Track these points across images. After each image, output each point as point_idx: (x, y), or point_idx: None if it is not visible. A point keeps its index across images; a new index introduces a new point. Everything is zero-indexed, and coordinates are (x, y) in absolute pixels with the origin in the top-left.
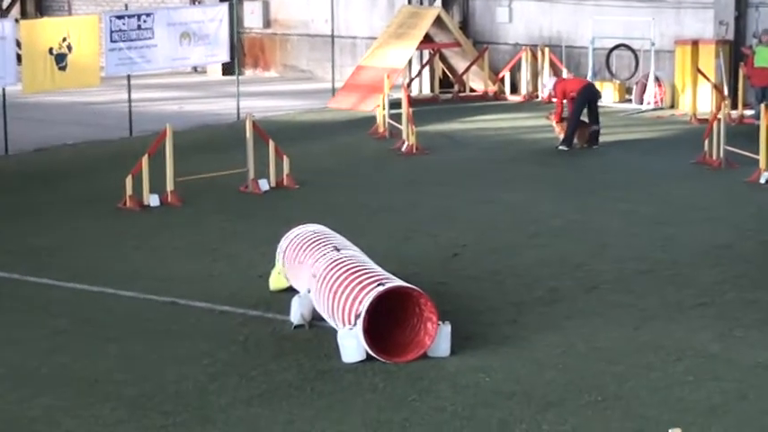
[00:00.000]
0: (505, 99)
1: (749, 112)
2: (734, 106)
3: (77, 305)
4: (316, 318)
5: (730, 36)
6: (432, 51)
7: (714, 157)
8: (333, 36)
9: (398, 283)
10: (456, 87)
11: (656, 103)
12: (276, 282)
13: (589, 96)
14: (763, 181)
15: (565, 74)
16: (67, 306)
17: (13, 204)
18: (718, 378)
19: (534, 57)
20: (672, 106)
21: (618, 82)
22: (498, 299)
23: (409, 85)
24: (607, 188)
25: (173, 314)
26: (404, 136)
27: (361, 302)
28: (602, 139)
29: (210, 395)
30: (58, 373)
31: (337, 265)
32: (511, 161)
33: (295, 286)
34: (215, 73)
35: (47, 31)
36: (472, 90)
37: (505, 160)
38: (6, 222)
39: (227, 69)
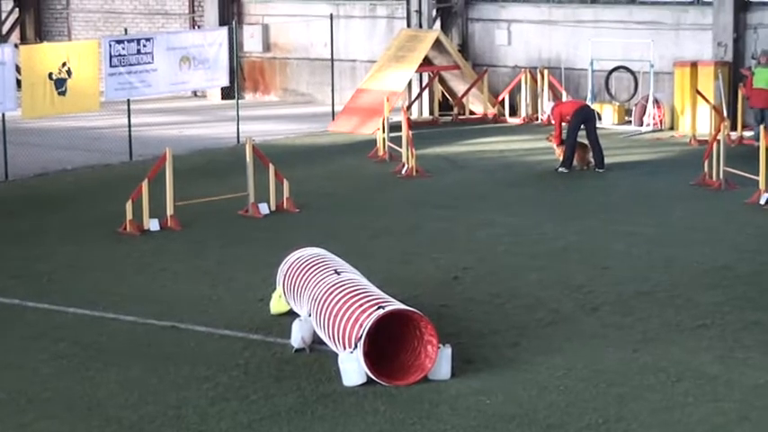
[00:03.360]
0: (505, 121)
1: (748, 134)
2: (733, 127)
3: (78, 330)
4: (316, 341)
5: (729, 57)
6: (431, 74)
7: (714, 179)
8: (332, 60)
9: (399, 306)
10: (455, 110)
11: (655, 124)
12: (277, 305)
13: (583, 117)
14: (762, 202)
15: (564, 96)
16: (68, 330)
17: (13, 229)
18: (718, 399)
19: (534, 79)
20: (671, 128)
21: (617, 104)
22: (499, 321)
23: (409, 107)
24: (607, 210)
25: (173, 338)
26: (404, 159)
27: (361, 326)
28: None
29: (211, 419)
30: (58, 397)
31: (337, 288)
32: (511, 184)
33: (295, 310)
34: (215, 97)
35: (46, 56)
36: (472, 113)
37: (506, 183)
38: (7, 247)
39: (227, 93)
